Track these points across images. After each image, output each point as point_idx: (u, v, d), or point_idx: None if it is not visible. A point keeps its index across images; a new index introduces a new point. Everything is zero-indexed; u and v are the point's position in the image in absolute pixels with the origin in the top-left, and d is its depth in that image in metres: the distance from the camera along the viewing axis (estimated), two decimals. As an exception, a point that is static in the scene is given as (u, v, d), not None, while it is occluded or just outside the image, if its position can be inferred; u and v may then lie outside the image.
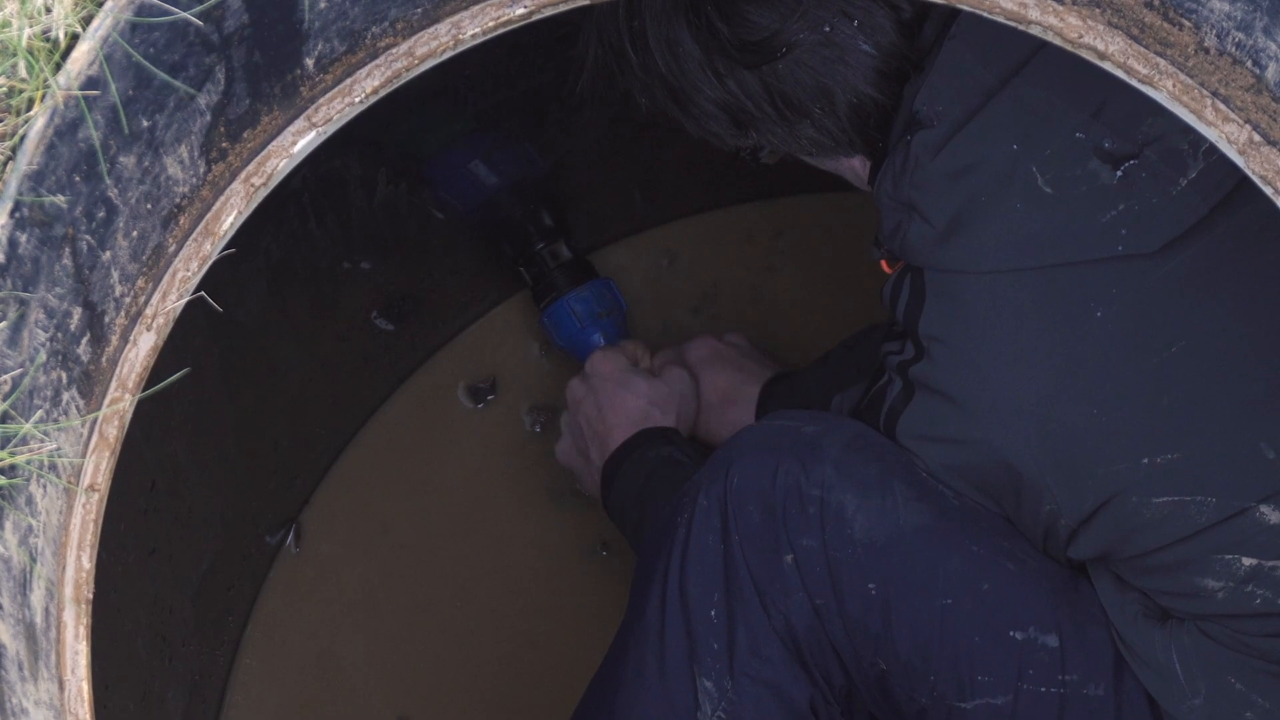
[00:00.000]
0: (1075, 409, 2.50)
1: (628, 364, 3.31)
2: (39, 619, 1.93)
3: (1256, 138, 2.03)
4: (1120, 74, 2.05)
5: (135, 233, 2.01)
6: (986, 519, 2.63)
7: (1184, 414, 2.46)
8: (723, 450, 2.76)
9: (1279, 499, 2.45)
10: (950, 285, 2.55)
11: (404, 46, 2.09)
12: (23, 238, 1.82)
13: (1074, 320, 2.49)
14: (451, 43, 2.08)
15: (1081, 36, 2.03)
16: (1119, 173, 2.43)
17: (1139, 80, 2.03)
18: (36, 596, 1.93)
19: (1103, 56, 2.03)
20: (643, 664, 2.78)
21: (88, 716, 1.94)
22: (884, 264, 2.69)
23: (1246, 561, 2.44)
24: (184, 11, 1.87)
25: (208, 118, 2.01)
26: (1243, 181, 2.30)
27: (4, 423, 1.81)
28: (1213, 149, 2.25)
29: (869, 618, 2.64)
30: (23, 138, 1.82)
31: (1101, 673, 2.60)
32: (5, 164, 1.82)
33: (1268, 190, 2.01)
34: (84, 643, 1.96)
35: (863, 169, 2.72)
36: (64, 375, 1.95)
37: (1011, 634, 2.59)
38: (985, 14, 2.07)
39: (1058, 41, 2.06)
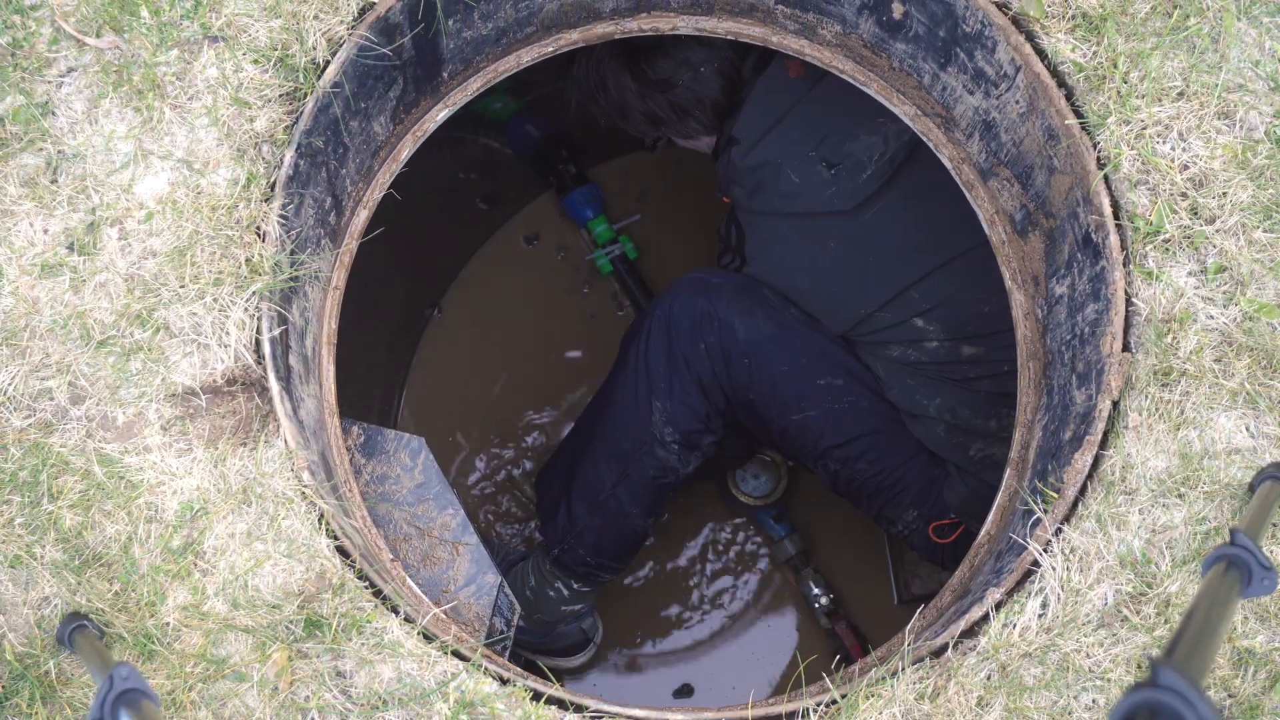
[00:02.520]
0: (820, 284, 2.88)
1: None
2: (309, 353, 2.20)
3: (918, 113, 2.36)
4: (852, 81, 2.37)
5: (357, 160, 2.27)
6: (807, 328, 2.95)
7: (879, 278, 2.83)
8: (670, 287, 3.04)
9: (926, 316, 2.85)
10: (753, 221, 2.93)
11: (491, 66, 2.36)
12: (302, 163, 2.09)
13: (818, 241, 2.87)
14: (516, 64, 2.36)
15: (831, 61, 2.35)
16: (831, 171, 2.81)
17: (859, 83, 2.34)
18: (308, 342, 2.21)
19: (842, 72, 2.35)
20: (625, 390, 3.06)
21: (333, 402, 2.21)
22: (725, 199, 3.01)
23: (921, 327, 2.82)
24: (384, 48, 2.14)
25: (393, 102, 2.27)
26: (895, 173, 2.74)
27: (293, 254, 2.06)
28: (881, 158, 2.70)
29: (742, 375, 2.96)
30: (300, 113, 2.08)
31: (864, 392, 2.94)
32: (293, 125, 2.07)
33: (926, 140, 2.35)
34: (331, 365, 2.24)
35: (710, 146, 3.04)
36: (322, 231, 2.23)
37: (818, 380, 2.94)
38: (775, 47, 2.38)
39: (820, 64, 2.37)
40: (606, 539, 3.19)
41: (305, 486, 1.95)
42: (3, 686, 1.85)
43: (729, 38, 2.42)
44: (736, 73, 2.95)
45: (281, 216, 2.04)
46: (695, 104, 2.97)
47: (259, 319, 2.01)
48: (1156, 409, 1.96)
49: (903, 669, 1.91)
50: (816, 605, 3.63)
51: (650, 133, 3.14)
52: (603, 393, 3.18)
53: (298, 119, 2.09)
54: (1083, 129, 2.06)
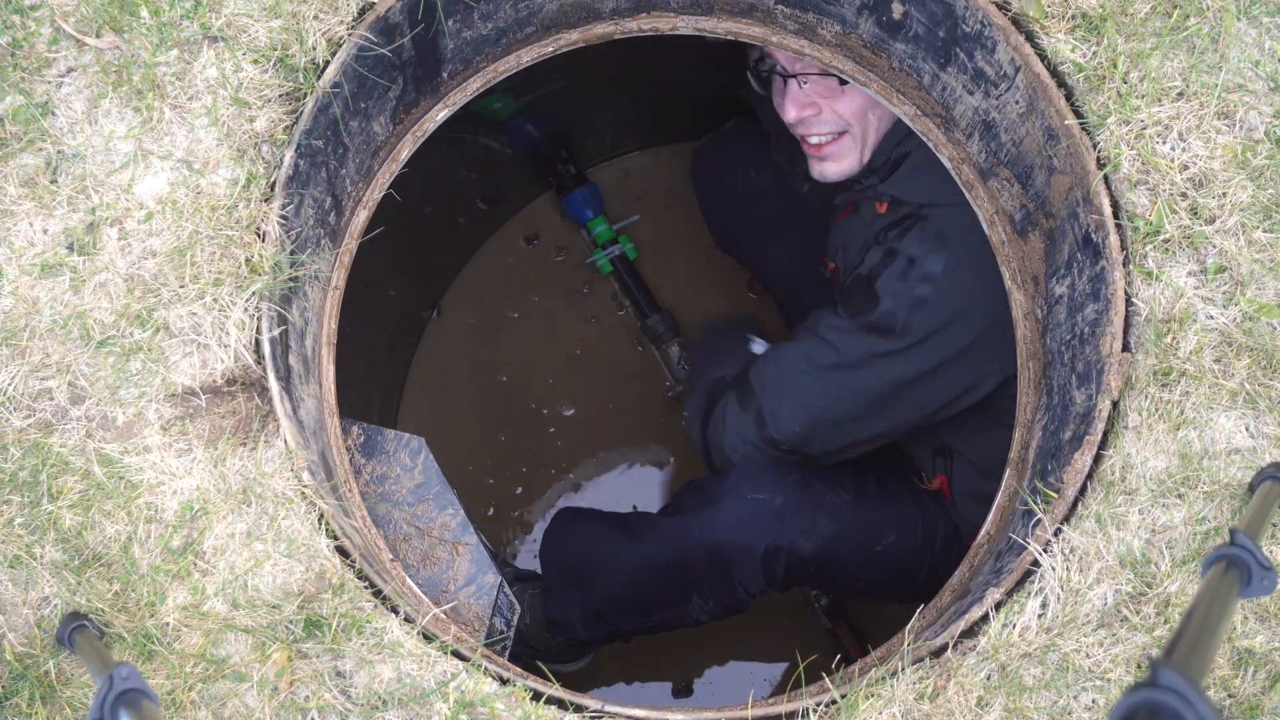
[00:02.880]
0: None
1: None
2: (309, 353, 2.20)
3: (918, 113, 2.35)
4: (852, 81, 2.36)
5: (357, 160, 2.27)
6: (866, 499, 2.94)
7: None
8: (727, 499, 2.94)
9: None
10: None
11: (491, 66, 2.36)
12: (301, 163, 2.08)
13: None
14: (516, 64, 2.37)
15: (831, 62, 2.33)
16: None
17: (860, 83, 2.33)
18: (308, 342, 2.20)
19: (842, 73, 2.34)
20: (668, 566, 3.00)
21: (333, 402, 2.20)
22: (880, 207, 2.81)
23: None
24: (383, 49, 2.14)
25: (393, 102, 2.27)
26: None
27: (293, 254, 2.06)
28: None
29: (806, 579, 2.98)
30: (300, 113, 2.07)
31: (914, 531, 2.96)
32: (293, 125, 2.07)
33: (927, 140, 2.34)
34: (331, 365, 2.23)
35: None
36: (322, 231, 2.22)
37: (875, 548, 2.95)
38: (775, 47, 2.36)
39: (820, 64, 2.35)
40: (603, 640, 3.26)
41: (305, 486, 1.95)
42: (3, 686, 1.85)
43: (729, 38, 2.41)
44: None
45: (281, 216, 2.04)
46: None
47: (259, 319, 2.01)
48: (1156, 409, 1.96)
49: (902, 669, 1.91)
50: (817, 605, 3.61)
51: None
52: (647, 538, 3.09)
53: (298, 119, 2.08)
54: (1082, 129, 2.06)
